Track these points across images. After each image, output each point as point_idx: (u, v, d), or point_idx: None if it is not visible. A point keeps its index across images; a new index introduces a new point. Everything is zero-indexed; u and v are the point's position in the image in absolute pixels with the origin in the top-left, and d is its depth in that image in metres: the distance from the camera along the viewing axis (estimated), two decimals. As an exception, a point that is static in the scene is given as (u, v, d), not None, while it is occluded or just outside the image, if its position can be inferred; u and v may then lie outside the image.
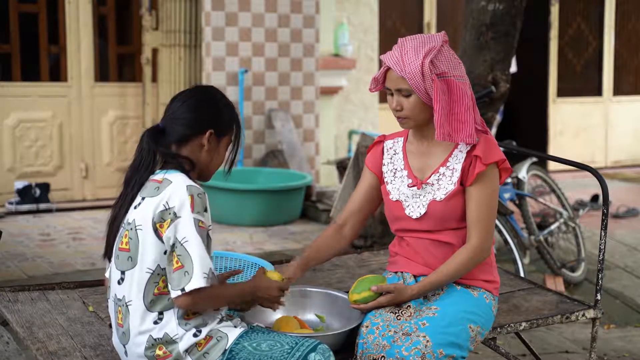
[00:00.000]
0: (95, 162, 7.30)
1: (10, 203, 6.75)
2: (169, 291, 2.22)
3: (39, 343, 2.48)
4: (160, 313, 2.23)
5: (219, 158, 2.41)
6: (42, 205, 6.80)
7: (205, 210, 2.25)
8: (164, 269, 2.23)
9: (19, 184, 6.78)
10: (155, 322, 2.23)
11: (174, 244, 2.20)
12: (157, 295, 2.23)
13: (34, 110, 7.03)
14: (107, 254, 2.37)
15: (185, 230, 2.19)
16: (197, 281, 2.15)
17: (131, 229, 2.26)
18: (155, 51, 7.25)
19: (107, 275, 2.45)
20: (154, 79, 7.31)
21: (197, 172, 2.36)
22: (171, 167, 2.31)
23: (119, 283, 2.29)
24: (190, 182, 2.26)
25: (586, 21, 10.09)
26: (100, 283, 3.06)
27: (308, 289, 2.77)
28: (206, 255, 2.20)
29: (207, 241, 2.23)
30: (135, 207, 2.29)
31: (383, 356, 2.40)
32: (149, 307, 2.23)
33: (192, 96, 2.39)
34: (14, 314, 2.71)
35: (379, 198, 2.78)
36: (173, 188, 2.23)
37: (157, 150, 2.31)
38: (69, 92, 7.16)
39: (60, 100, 7.13)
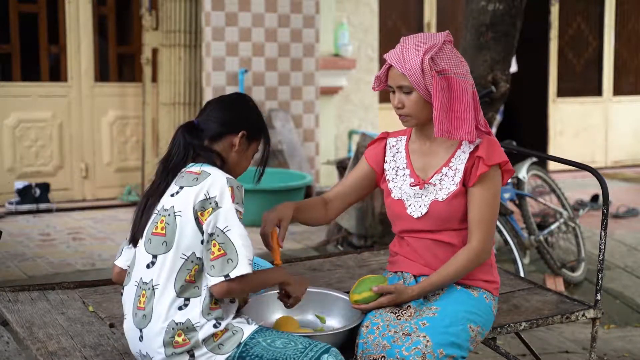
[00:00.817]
0: (95, 162, 7.30)
1: (10, 203, 6.75)
2: (195, 280, 2.26)
3: (39, 343, 2.48)
4: (187, 299, 2.26)
5: (246, 161, 2.49)
6: (42, 205, 6.80)
7: (242, 202, 2.32)
8: (199, 258, 2.27)
9: (19, 184, 6.79)
10: (180, 308, 2.26)
11: (212, 233, 2.25)
12: (187, 282, 2.27)
13: (34, 110, 7.03)
14: (133, 241, 2.40)
15: (227, 219, 2.25)
16: (243, 268, 2.21)
17: (169, 214, 2.30)
18: (155, 51, 7.25)
19: (118, 263, 2.49)
20: (154, 79, 7.31)
21: (226, 170, 2.41)
22: (203, 162, 2.37)
23: (147, 267, 2.31)
24: (228, 175, 2.33)
25: (586, 21, 10.10)
26: (100, 283, 3.06)
27: (309, 289, 2.76)
28: (249, 243, 2.25)
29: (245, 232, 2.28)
30: (172, 195, 2.33)
31: (383, 356, 2.40)
32: (178, 293, 2.26)
33: (229, 98, 2.53)
34: (14, 314, 2.71)
35: (367, 189, 2.80)
36: (213, 179, 2.30)
37: (191, 144, 2.38)
38: (69, 92, 7.16)
39: (60, 100, 7.13)
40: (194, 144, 2.39)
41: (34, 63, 7.12)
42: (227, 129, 2.43)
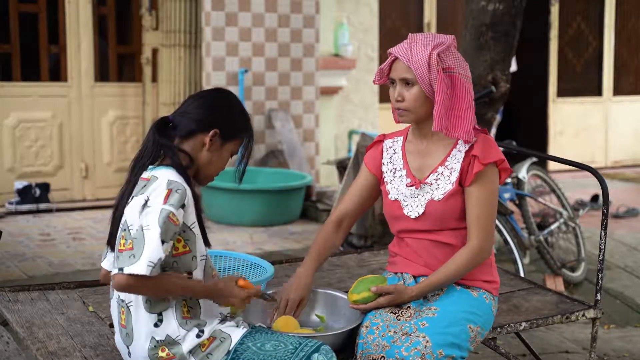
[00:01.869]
0: (95, 162, 7.30)
1: (10, 203, 6.75)
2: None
3: (39, 343, 2.48)
4: (160, 314, 2.23)
5: (220, 162, 2.39)
6: (42, 205, 6.80)
7: (183, 207, 2.20)
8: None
9: (19, 184, 6.79)
10: (156, 325, 2.22)
11: (132, 229, 2.18)
12: None
13: (34, 110, 7.03)
14: (110, 242, 2.34)
15: (151, 218, 2.16)
16: (139, 268, 2.11)
17: (125, 229, 2.25)
18: (155, 51, 7.25)
19: (104, 265, 2.42)
20: (154, 79, 7.31)
21: (194, 170, 2.35)
22: (166, 163, 2.29)
23: None
24: (175, 178, 2.23)
25: (586, 21, 10.10)
26: (100, 283, 3.05)
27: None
28: (159, 246, 2.13)
29: (171, 235, 2.17)
30: (127, 207, 2.27)
31: (383, 356, 2.40)
32: (148, 308, 2.23)
33: (207, 95, 2.42)
34: (14, 314, 2.71)
35: (375, 196, 2.80)
36: (155, 184, 2.22)
37: (160, 143, 2.30)
38: (69, 92, 7.16)
39: (60, 100, 7.13)
40: (162, 142, 2.30)
41: (34, 63, 7.12)
42: (199, 127, 2.33)
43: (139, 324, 2.23)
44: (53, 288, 2.98)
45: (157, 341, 2.22)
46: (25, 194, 6.76)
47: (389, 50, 2.62)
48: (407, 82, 2.55)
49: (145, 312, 2.23)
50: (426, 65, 2.50)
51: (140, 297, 2.23)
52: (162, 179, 2.22)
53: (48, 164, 7.11)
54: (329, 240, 2.76)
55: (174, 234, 2.18)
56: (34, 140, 7.04)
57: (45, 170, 7.09)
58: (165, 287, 2.20)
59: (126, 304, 2.26)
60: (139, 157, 2.32)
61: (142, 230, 2.15)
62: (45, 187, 6.86)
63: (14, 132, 6.97)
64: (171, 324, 2.23)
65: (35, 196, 6.78)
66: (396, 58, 2.57)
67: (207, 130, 2.33)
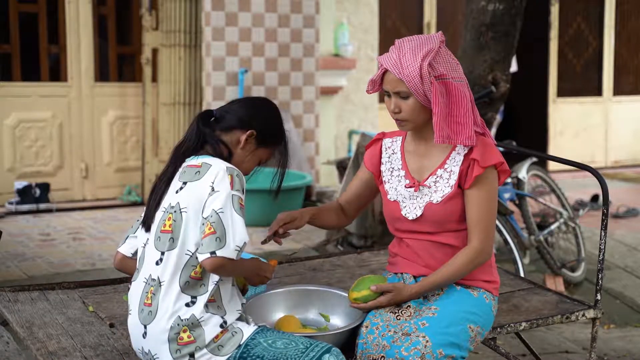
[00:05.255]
0: (95, 162, 7.30)
1: (10, 203, 6.75)
2: (202, 277, 2.28)
3: (39, 343, 2.48)
4: (194, 297, 2.27)
5: (249, 163, 2.50)
6: (42, 205, 6.81)
7: (244, 191, 2.32)
8: None
9: (19, 184, 6.79)
10: (188, 305, 2.27)
11: (207, 216, 2.25)
12: (192, 278, 2.28)
13: (34, 110, 7.03)
14: (146, 222, 2.41)
15: (222, 202, 2.25)
16: (229, 251, 2.22)
17: (175, 211, 2.31)
18: (155, 51, 7.25)
19: (121, 250, 2.53)
20: (154, 79, 7.31)
21: (231, 163, 2.42)
22: (208, 152, 2.40)
23: (157, 264, 2.32)
24: (229, 164, 2.35)
25: (586, 21, 10.10)
26: (100, 283, 3.06)
27: (311, 287, 2.77)
28: (243, 229, 2.26)
29: (244, 218, 2.29)
30: (177, 192, 2.34)
31: (383, 356, 2.40)
32: (183, 289, 2.27)
33: (254, 98, 2.60)
34: (14, 314, 2.71)
35: (374, 192, 2.83)
36: (214, 169, 2.31)
37: (203, 132, 2.42)
38: (69, 92, 7.16)
39: (60, 100, 7.13)
40: (205, 131, 2.42)
41: (34, 63, 7.12)
42: (238, 124, 2.44)
43: (166, 302, 2.27)
44: (53, 288, 2.98)
45: (182, 320, 2.25)
46: (25, 194, 6.76)
47: (379, 60, 2.58)
48: (401, 95, 2.54)
49: (177, 291, 2.27)
50: (418, 77, 2.47)
51: (177, 277, 2.28)
52: (217, 165, 2.33)
53: (48, 164, 7.11)
54: (333, 208, 2.83)
55: (244, 217, 2.30)
56: (34, 140, 7.04)
57: (45, 170, 7.10)
58: (240, 267, 2.36)
59: (159, 282, 2.29)
60: (181, 145, 2.45)
61: (217, 214, 2.24)
62: (45, 187, 6.87)
63: (14, 132, 6.97)
64: (199, 306, 2.27)
65: (35, 196, 6.78)
66: (387, 69, 2.55)
67: (245, 129, 2.45)
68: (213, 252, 2.21)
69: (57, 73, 7.22)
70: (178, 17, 7.10)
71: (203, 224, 2.25)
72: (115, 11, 7.42)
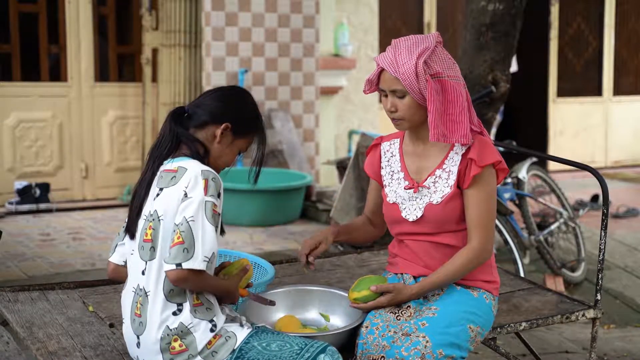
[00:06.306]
0: (95, 162, 7.30)
1: (10, 203, 6.75)
2: None
3: (39, 343, 2.48)
4: (180, 305, 2.24)
5: (228, 156, 2.43)
6: (42, 205, 6.80)
7: (219, 195, 2.26)
8: None
9: (19, 184, 6.79)
10: (174, 313, 2.24)
11: (178, 223, 2.20)
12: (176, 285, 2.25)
13: (34, 110, 7.03)
14: (129, 230, 2.37)
15: (194, 210, 2.20)
16: (196, 262, 2.17)
17: (154, 219, 2.27)
18: (155, 51, 7.25)
19: (113, 260, 2.47)
20: (154, 79, 7.31)
21: (208, 161, 2.38)
22: (184, 153, 2.34)
23: (142, 273, 2.29)
24: (205, 167, 2.28)
25: (586, 21, 10.09)
26: (100, 283, 3.06)
27: (311, 287, 2.77)
28: (213, 239, 2.20)
29: (217, 225, 2.24)
30: (154, 199, 2.30)
31: (383, 356, 2.40)
32: (169, 298, 2.24)
33: (224, 89, 2.49)
34: (14, 314, 2.71)
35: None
36: (188, 174, 2.25)
37: (177, 131, 2.36)
38: (69, 92, 7.16)
39: (60, 100, 7.13)
40: (178, 131, 2.36)
41: (34, 63, 7.12)
42: (212, 119, 2.38)
43: (154, 312, 2.24)
44: (53, 288, 2.98)
45: (171, 330, 2.22)
46: (25, 194, 6.76)
47: (375, 59, 2.60)
48: (397, 94, 2.55)
49: (164, 301, 2.24)
50: (414, 75, 2.47)
51: (160, 286, 2.24)
52: (192, 169, 2.27)
53: (48, 164, 7.11)
54: (361, 222, 2.84)
55: (217, 224, 2.24)
56: (34, 140, 7.04)
57: (45, 170, 7.09)
58: (207, 285, 2.26)
59: (145, 292, 2.26)
60: (156, 146, 2.39)
61: (188, 222, 2.19)
62: (45, 187, 6.86)
63: (14, 132, 6.97)
64: (185, 313, 2.24)
65: (35, 196, 6.78)
66: (383, 68, 2.55)
67: (219, 123, 2.38)
68: (179, 264, 2.16)
69: (57, 73, 7.22)
70: (178, 17, 7.10)
71: (174, 231, 2.21)
72: (115, 11, 7.42)
